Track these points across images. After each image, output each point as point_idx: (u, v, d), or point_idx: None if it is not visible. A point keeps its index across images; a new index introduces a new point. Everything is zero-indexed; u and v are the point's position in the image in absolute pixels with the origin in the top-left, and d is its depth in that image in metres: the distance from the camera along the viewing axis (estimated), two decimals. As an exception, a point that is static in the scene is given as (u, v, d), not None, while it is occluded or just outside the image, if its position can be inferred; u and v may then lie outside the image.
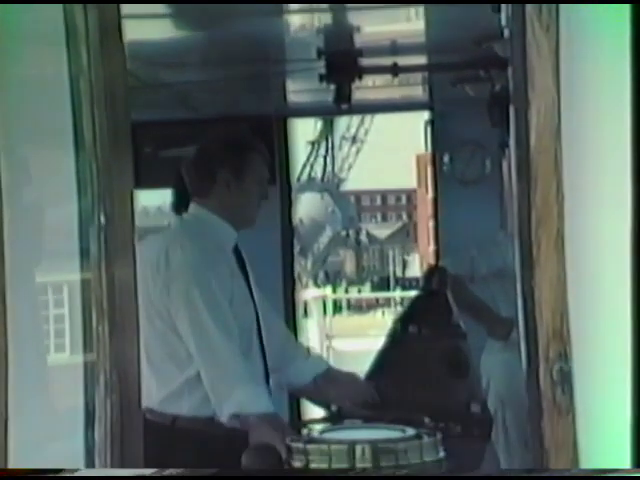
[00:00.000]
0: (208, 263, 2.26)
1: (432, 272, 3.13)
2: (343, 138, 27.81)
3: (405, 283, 26.84)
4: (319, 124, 24.09)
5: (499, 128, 3.48)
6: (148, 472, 1.51)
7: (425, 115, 4.49)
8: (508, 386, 3.30)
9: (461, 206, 4.32)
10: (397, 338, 2.91)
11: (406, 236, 30.75)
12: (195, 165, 2.40)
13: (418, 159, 32.14)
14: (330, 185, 25.28)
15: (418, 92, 4.25)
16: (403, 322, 2.98)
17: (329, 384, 2.53)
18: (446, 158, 4.41)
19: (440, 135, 4.43)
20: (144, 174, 4.26)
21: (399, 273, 30.88)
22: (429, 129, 4.46)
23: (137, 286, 1.55)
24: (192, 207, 2.40)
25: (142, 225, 1.69)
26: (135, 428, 1.49)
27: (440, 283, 3.02)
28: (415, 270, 30.39)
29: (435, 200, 4.52)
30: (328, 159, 27.95)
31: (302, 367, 2.51)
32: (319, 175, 26.81)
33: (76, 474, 1.45)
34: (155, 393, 2.27)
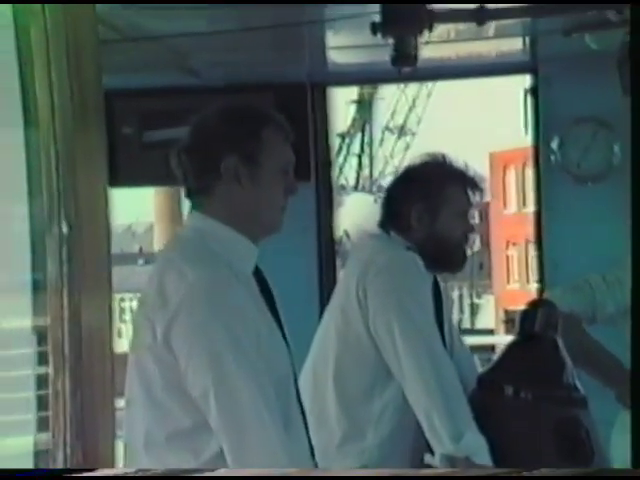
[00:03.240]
0: (221, 295, 2.24)
1: (535, 308, 3.10)
2: (386, 129, 27.65)
3: (475, 335, 26.70)
4: (352, 108, 23.80)
5: (634, 97, 3.43)
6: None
7: (525, 81, 4.45)
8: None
9: (576, 213, 4.26)
10: (485, 402, 2.89)
11: (479, 269, 30.24)
12: (189, 154, 2.37)
13: (492, 159, 31.90)
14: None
15: (515, 47, 4.23)
16: (494, 380, 2.96)
17: None
18: (554, 143, 4.34)
19: (546, 109, 4.37)
20: (123, 166, 4.30)
21: (467, 323, 30.56)
22: (530, 101, 4.44)
23: (113, 326, 1.54)
24: (190, 217, 2.38)
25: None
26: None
27: (547, 325, 2.99)
28: (489, 319, 30.08)
29: (538, 205, 4.48)
30: (364, 159, 27.77)
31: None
32: (351, 181, 26.55)
33: (84, 474, 1.50)
34: None
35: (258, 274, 2.38)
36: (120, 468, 2.00)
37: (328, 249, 4.59)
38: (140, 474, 1.75)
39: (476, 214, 3.12)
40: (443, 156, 3.08)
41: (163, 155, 4.67)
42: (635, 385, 1.30)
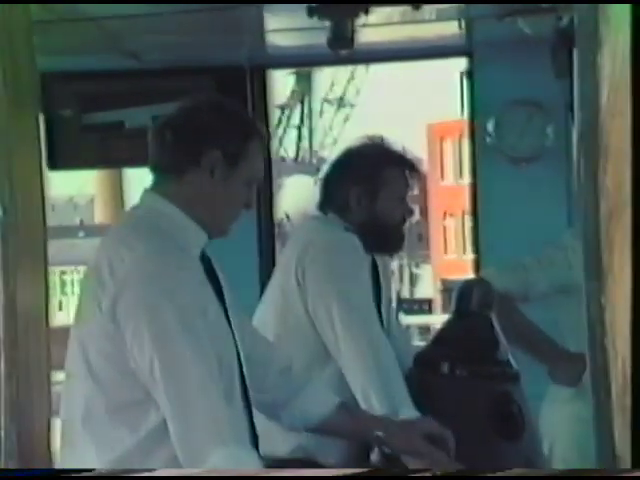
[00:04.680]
0: (169, 269, 2.27)
1: (470, 287, 3.14)
2: (325, 101, 27.52)
3: (414, 307, 26.70)
4: (291, 80, 23.68)
5: (567, 80, 3.47)
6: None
7: (460, 64, 4.49)
8: (581, 451, 3.30)
9: (511, 194, 4.30)
10: (421, 380, 2.93)
11: (417, 241, 30.33)
12: (175, 133, 2.37)
13: (430, 130, 31.82)
14: (307, 167, 24.93)
15: (451, 30, 4.25)
16: (430, 357, 3.00)
17: (359, 415, 2.73)
18: (490, 125, 4.37)
19: (481, 92, 4.39)
20: (62, 149, 4.27)
21: (405, 292, 30.58)
22: (465, 83, 4.46)
23: (50, 310, 1.55)
24: (148, 195, 2.40)
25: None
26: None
27: (482, 303, 3.04)
28: (427, 288, 30.17)
29: (474, 185, 4.50)
30: (304, 130, 27.59)
31: (317, 394, 2.64)
32: (291, 153, 26.39)
33: (83, 475, 1.53)
34: (94, 462, 2.27)
35: (205, 260, 2.41)
36: (120, 469, 2.07)
37: (267, 231, 4.60)
38: (139, 475, 1.79)
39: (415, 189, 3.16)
40: (382, 138, 3.10)
41: (103, 138, 4.64)
42: (635, 384, 1.33)
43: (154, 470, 2.09)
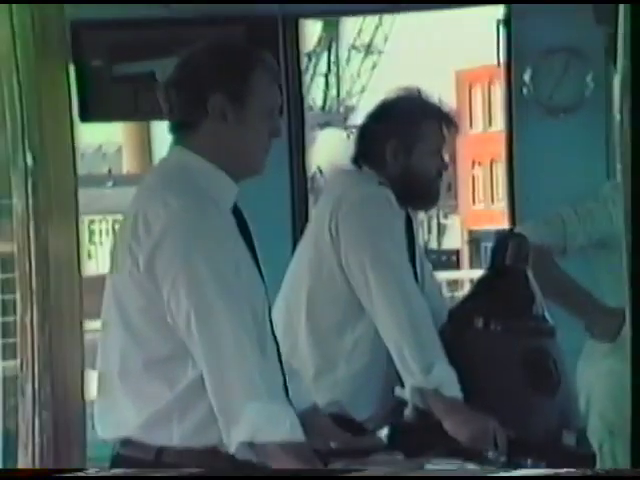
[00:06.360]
0: (204, 224, 2.30)
1: (506, 241, 3.12)
2: (353, 47, 27.14)
3: (442, 258, 26.36)
4: (318, 27, 23.36)
5: (608, 26, 3.40)
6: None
7: (497, 12, 4.44)
8: (618, 407, 3.29)
9: (548, 145, 4.22)
10: (455, 335, 2.92)
11: (447, 190, 30.06)
12: (176, 88, 2.39)
13: (458, 77, 31.38)
14: (334, 116, 24.67)
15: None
16: (464, 312, 2.99)
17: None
18: (526, 75, 4.29)
19: (518, 40, 4.32)
20: (93, 100, 4.27)
21: (434, 244, 30.46)
22: (502, 32, 4.40)
23: (82, 259, 1.55)
24: (173, 150, 2.41)
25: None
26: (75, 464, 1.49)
27: (517, 257, 3.01)
28: (455, 239, 30.09)
29: (509, 137, 4.46)
30: (331, 78, 27.37)
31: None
32: (318, 102, 26.22)
33: (80, 474, 1.54)
34: (132, 416, 2.31)
35: (237, 212, 2.42)
36: (121, 469, 2.10)
37: (300, 184, 4.59)
38: (138, 475, 1.82)
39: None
40: (418, 91, 3.07)
41: (133, 89, 4.63)
42: (635, 383, 1.32)
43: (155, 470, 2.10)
